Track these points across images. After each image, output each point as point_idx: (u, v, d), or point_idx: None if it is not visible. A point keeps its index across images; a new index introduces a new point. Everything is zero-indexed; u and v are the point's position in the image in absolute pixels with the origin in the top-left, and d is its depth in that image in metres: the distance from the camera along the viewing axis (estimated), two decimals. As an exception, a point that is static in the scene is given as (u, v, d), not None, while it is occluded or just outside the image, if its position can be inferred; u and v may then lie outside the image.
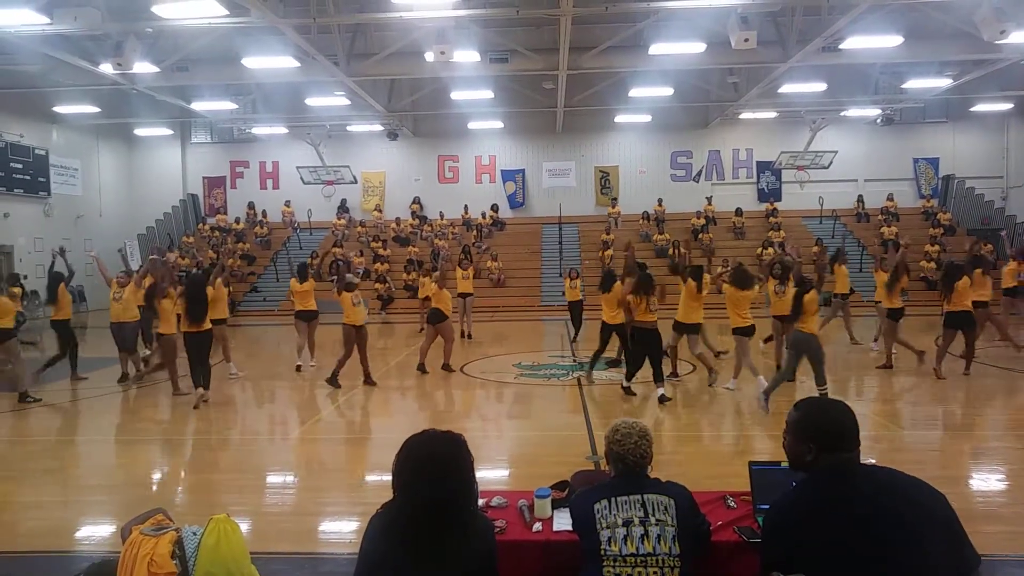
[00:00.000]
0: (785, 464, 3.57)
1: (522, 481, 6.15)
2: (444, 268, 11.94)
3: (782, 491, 2.61)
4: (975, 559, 2.27)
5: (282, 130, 25.84)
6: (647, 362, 9.34)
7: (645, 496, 2.88)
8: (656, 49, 16.22)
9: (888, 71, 21.07)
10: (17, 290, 12.26)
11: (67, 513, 5.79)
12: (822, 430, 2.46)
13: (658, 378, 9.28)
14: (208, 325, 9.89)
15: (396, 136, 25.35)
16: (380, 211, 27.41)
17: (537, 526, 3.41)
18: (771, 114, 25.12)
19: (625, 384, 9.65)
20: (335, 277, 12.37)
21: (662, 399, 9.09)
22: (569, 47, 16.16)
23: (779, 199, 26.88)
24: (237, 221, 27.46)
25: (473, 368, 11.97)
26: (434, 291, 11.56)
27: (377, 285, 21.71)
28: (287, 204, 27.58)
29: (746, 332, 9.69)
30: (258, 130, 26.01)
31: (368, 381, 10.72)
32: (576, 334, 13.54)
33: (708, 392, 10.07)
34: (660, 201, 26.48)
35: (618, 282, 10.39)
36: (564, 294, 16.11)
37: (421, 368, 11.50)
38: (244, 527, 3.56)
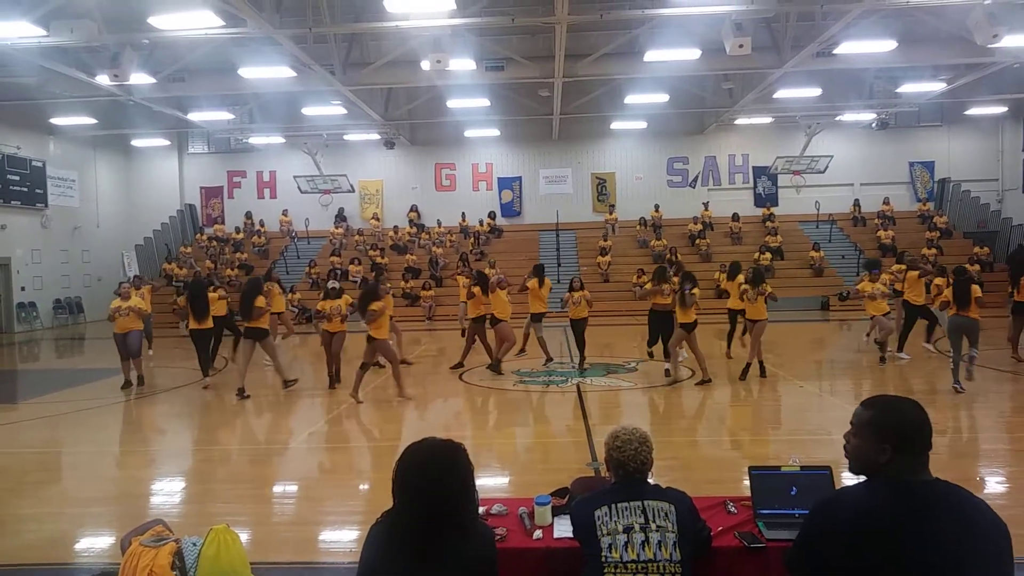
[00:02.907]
0: (785, 468, 3.62)
1: (522, 488, 6.14)
2: (502, 284, 12.24)
3: (833, 491, 2.49)
4: None
5: (279, 140, 25.88)
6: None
7: (645, 502, 2.88)
8: (651, 56, 16.28)
9: (882, 75, 21.15)
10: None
11: (66, 525, 5.76)
12: (900, 429, 2.24)
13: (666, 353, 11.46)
14: (210, 323, 11.54)
15: (393, 145, 25.38)
16: (378, 219, 27.43)
17: (538, 533, 3.40)
18: (767, 119, 25.19)
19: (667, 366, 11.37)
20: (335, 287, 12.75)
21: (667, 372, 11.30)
22: (565, 55, 16.22)
23: (776, 204, 26.94)
24: (238, 231, 27.46)
25: (472, 375, 11.96)
26: (494, 299, 12.03)
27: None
28: (284, 213, 27.60)
29: (689, 328, 10.78)
30: (255, 140, 26.03)
31: (331, 384, 11.07)
32: (581, 359, 12.13)
33: (707, 397, 10.09)
34: (657, 207, 26.53)
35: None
36: (565, 306, 12.77)
37: (494, 367, 11.90)
38: (244, 537, 3.56)
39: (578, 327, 12.06)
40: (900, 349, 12.33)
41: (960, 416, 9.00)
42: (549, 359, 12.72)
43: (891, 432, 2.24)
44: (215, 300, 13.24)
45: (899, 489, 2.18)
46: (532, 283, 12.49)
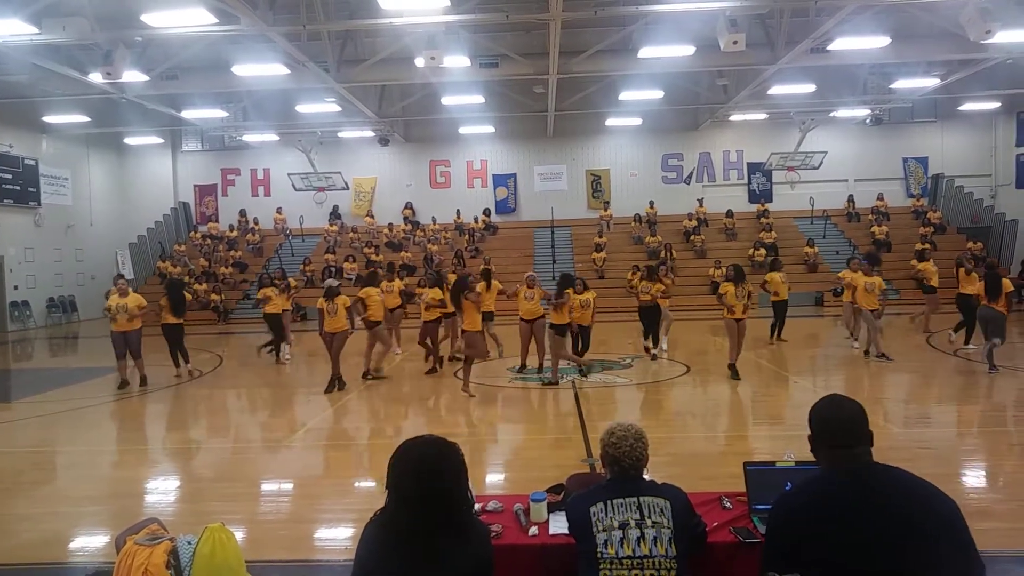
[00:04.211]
0: (780, 464, 3.64)
1: (517, 485, 6.15)
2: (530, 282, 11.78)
3: (790, 487, 2.60)
4: (980, 568, 2.24)
5: (273, 137, 25.80)
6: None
7: (641, 498, 2.89)
8: (645, 52, 16.26)
9: (876, 71, 21.18)
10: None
11: (61, 524, 5.75)
12: (820, 423, 2.52)
13: (655, 340, 13.02)
14: (181, 319, 12.34)
15: (387, 142, 25.32)
16: (372, 217, 27.39)
17: (533, 530, 3.41)
18: (761, 115, 25.21)
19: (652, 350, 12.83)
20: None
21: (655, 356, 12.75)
22: (559, 51, 16.19)
23: (770, 200, 26.98)
24: (232, 229, 27.37)
25: (465, 373, 11.93)
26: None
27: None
28: (279, 211, 27.52)
29: (561, 331, 10.71)
30: (249, 137, 25.95)
31: (331, 387, 10.81)
32: (581, 366, 11.42)
33: (702, 393, 10.12)
34: (652, 203, 26.54)
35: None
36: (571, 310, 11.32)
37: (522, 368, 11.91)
38: (239, 535, 3.55)
39: (584, 332, 11.64)
40: (967, 341, 12.79)
41: (957, 411, 9.04)
42: (500, 348, 13.07)
43: (815, 425, 2.53)
44: (274, 296, 13.59)
45: (844, 475, 2.37)
46: (480, 286, 12.52)
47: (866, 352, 12.27)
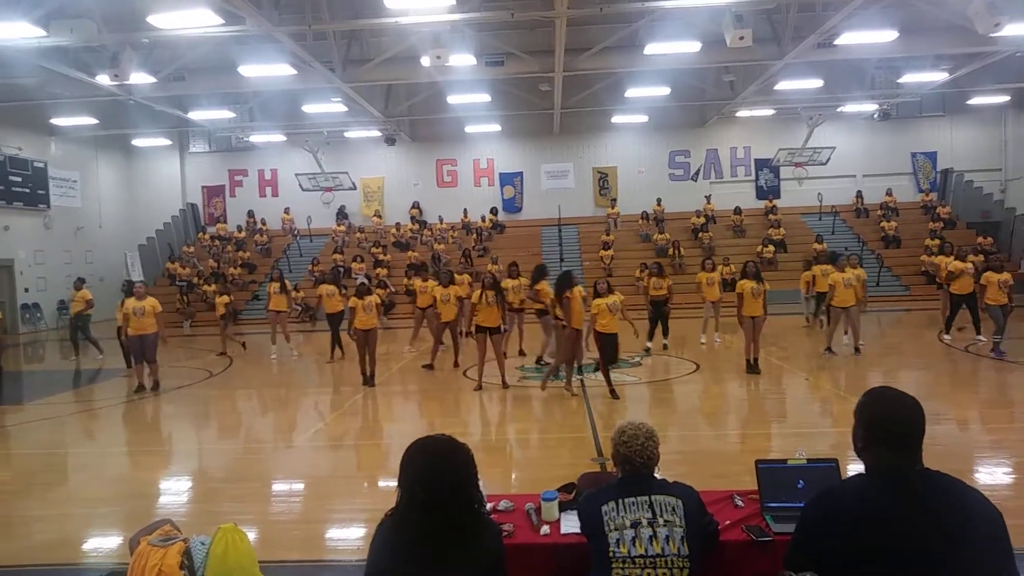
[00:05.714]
0: (792, 462, 3.62)
1: (528, 484, 6.15)
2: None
3: (826, 484, 2.53)
4: None
5: (280, 138, 25.86)
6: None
7: (652, 497, 2.88)
8: (651, 49, 16.22)
9: (884, 66, 21.05)
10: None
11: (75, 525, 5.78)
12: (878, 422, 2.32)
13: (665, 332, 13.50)
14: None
15: (394, 141, 25.35)
16: (379, 216, 27.42)
17: (545, 529, 3.41)
18: (768, 111, 25.12)
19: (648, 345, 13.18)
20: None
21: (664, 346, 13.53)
22: (564, 49, 16.19)
23: (778, 196, 26.88)
24: (240, 230, 27.46)
25: (476, 372, 11.94)
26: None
27: (378, 290, 21.68)
28: (286, 211, 27.59)
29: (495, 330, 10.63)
30: (256, 138, 26.02)
31: (367, 382, 11.02)
32: (611, 388, 9.63)
33: (712, 391, 10.10)
34: (659, 201, 26.48)
35: None
36: (594, 314, 9.51)
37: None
38: (251, 536, 3.56)
39: (610, 343, 9.58)
40: (947, 331, 13.12)
41: (966, 406, 9.00)
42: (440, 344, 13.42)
43: (870, 422, 2.34)
44: (328, 298, 13.92)
45: (894, 479, 2.23)
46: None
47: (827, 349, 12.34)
